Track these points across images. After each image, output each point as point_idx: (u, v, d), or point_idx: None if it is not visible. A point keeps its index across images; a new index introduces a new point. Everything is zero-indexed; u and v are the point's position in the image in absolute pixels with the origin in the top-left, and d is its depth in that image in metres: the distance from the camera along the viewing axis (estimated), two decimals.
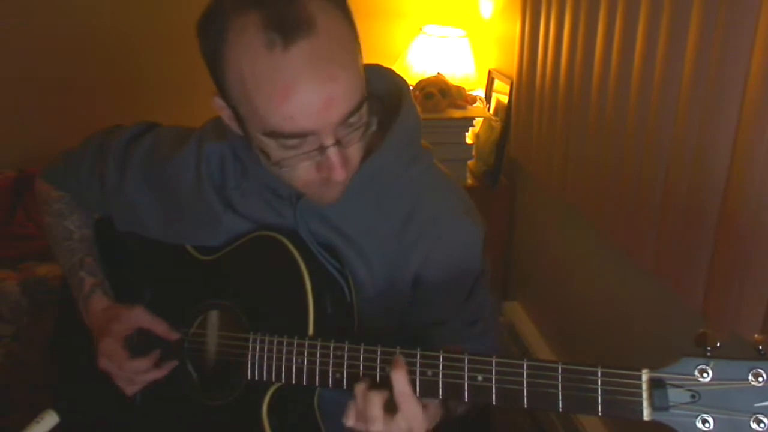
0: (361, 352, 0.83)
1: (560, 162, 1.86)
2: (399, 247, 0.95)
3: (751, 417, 0.65)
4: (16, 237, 2.31)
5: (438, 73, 2.40)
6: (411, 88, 2.28)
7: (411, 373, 0.79)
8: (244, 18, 0.75)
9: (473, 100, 2.42)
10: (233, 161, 1.00)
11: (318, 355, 0.86)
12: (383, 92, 0.94)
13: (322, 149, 0.80)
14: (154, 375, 1.00)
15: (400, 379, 0.77)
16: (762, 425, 0.64)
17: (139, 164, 1.07)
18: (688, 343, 0.69)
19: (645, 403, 0.69)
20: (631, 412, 0.69)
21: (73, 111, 2.49)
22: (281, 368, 0.88)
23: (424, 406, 0.79)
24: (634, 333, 1.68)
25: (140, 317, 1.01)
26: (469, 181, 2.38)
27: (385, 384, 0.79)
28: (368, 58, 0.83)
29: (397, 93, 0.96)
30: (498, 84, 2.43)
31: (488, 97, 2.50)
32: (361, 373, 0.83)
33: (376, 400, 0.78)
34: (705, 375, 0.67)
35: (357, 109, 0.79)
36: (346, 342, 0.84)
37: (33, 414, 0.97)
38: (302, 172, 0.83)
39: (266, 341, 0.90)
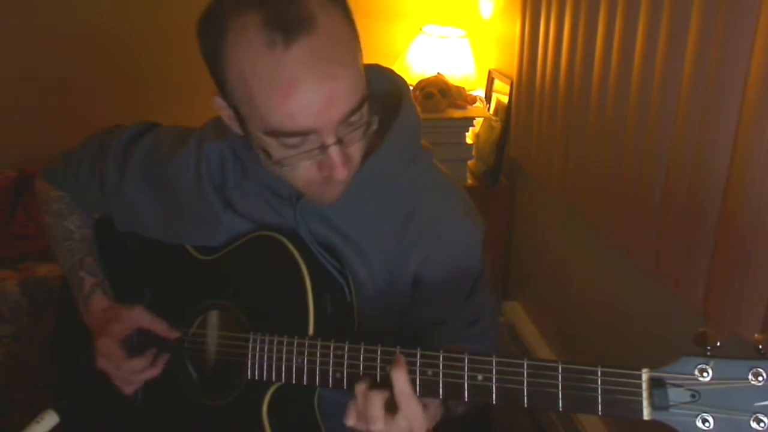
0: (361, 352, 0.83)
1: (560, 162, 1.86)
2: (399, 247, 0.95)
3: (751, 416, 0.65)
4: (16, 237, 2.31)
5: (438, 73, 2.40)
6: (411, 88, 2.29)
7: (411, 372, 0.79)
8: (245, 17, 0.75)
9: (473, 100, 2.42)
10: (233, 161, 1.00)
11: (318, 355, 0.86)
12: (383, 92, 0.94)
13: (323, 148, 0.80)
14: (150, 374, 1.00)
15: (400, 379, 0.77)
16: (762, 425, 0.64)
17: (139, 164, 1.07)
18: (688, 343, 0.69)
19: (645, 403, 0.69)
20: (631, 412, 0.69)
21: (73, 111, 2.49)
22: (281, 368, 0.88)
23: (425, 406, 0.79)
24: (634, 333, 1.68)
25: (140, 317, 1.01)
26: (469, 181, 2.38)
27: (386, 384, 0.79)
28: (368, 58, 0.83)
29: (397, 93, 0.96)
30: (498, 84, 2.43)
31: (488, 97, 2.50)
32: (361, 373, 0.83)
33: (377, 399, 0.78)
34: (705, 374, 0.67)
35: (358, 107, 0.79)
36: (346, 342, 0.84)
37: (33, 414, 0.97)
38: (303, 171, 0.83)
39: (266, 341, 0.90)
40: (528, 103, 2.09)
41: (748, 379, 0.65)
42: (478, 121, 2.41)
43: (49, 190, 1.18)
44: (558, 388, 0.73)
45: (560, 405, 0.73)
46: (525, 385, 0.74)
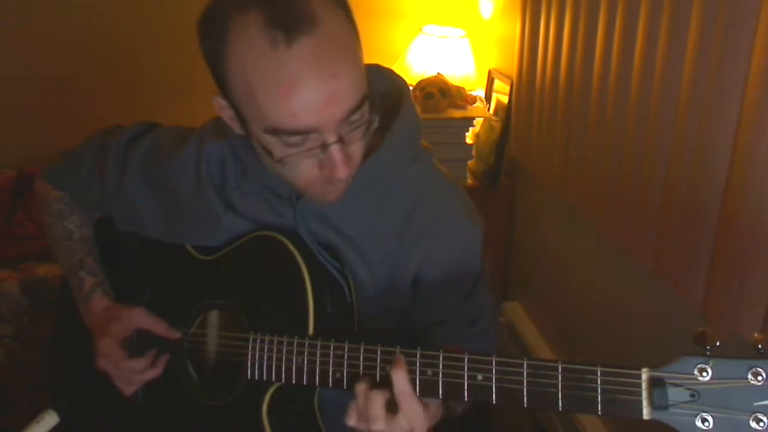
0: (361, 351, 0.83)
1: (560, 162, 1.86)
2: (399, 247, 0.95)
3: (750, 416, 0.65)
4: (16, 237, 2.31)
5: (438, 73, 2.40)
6: (411, 88, 2.29)
7: (411, 372, 0.79)
8: (246, 16, 0.75)
9: (473, 100, 2.42)
10: (233, 161, 1.00)
11: (318, 355, 0.86)
12: (383, 92, 0.94)
13: (324, 147, 0.80)
14: (150, 374, 1.01)
15: (400, 378, 0.77)
16: (761, 424, 0.64)
17: (139, 164, 1.07)
18: (687, 342, 0.69)
19: (644, 402, 0.69)
20: (631, 411, 0.69)
21: (73, 111, 2.49)
22: (281, 368, 0.88)
23: (425, 405, 0.79)
24: (634, 333, 1.68)
25: (140, 318, 1.01)
26: (469, 181, 2.38)
27: (386, 383, 0.79)
28: (368, 58, 0.84)
29: (397, 93, 0.96)
30: (498, 84, 2.43)
31: (488, 97, 2.50)
32: (361, 373, 0.83)
33: (378, 399, 0.78)
34: (704, 374, 0.67)
35: (359, 106, 0.79)
36: (346, 342, 0.84)
37: (33, 414, 0.97)
38: (304, 170, 0.83)
39: (266, 341, 0.90)
40: (528, 103, 2.09)
41: (747, 378, 0.65)
42: (478, 121, 2.41)
43: (49, 190, 1.18)
44: (558, 387, 0.73)
45: (560, 405, 0.73)
46: (525, 384, 0.74)
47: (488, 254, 1.00)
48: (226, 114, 0.86)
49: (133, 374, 1.00)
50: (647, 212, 1.43)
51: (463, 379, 0.78)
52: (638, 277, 1.63)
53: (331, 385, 0.85)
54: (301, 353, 0.87)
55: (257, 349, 0.90)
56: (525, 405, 0.75)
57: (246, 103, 0.79)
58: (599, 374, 0.71)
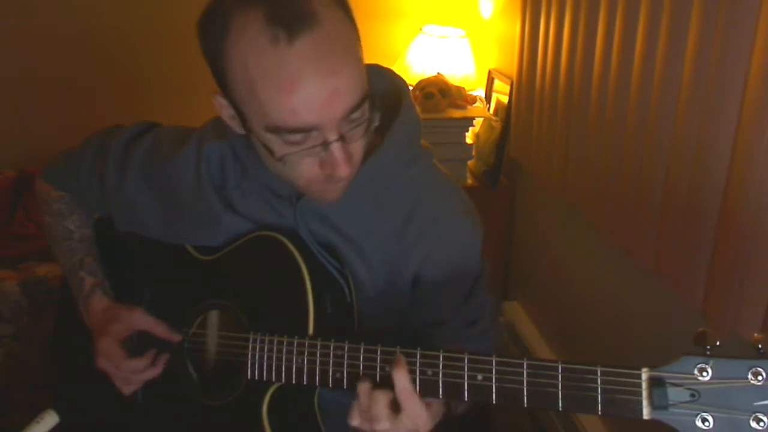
0: (361, 351, 0.83)
1: (560, 162, 1.86)
2: (399, 247, 0.95)
3: (750, 416, 0.65)
4: (16, 237, 2.30)
5: (438, 73, 2.40)
6: (411, 88, 2.29)
7: (411, 372, 0.79)
8: (246, 15, 0.75)
9: (473, 100, 2.42)
10: (233, 161, 1.00)
11: (318, 355, 0.86)
12: (383, 92, 0.94)
13: (325, 145, 0.80)
14: (150, 374, 1.01)
15: (401, 378, 0.77)
16: (762, 424, 0.64)
17: (139, 164, 1.07)
18: (688, 343, 0.69)
19: (645, 402, 0.69)
20: (631, 411, 0.69)
21: (73, 111, 2.49)
22: (281, 368, 0.88)
23: (428, 405, 0.79)
24: (634, 333, 1.68)
25: (140, 319, 1.01)
26: (469, 181, 2.38)
27: (389, 383, 0.79)
28: (368, 58, 0.84)
29: (397, 93, 0.96)
30: (498, 84, 2.43)
31: (488, 97, 2.50)
32: (361, 373, 0.83)
33: (381, 399, 0.78)
34: (704, 374, 0.67)
35: (360, 104, 0.80)
36: (346, 342, 0.84)
37: (33, 414, 0.97)
38: (305, 169, 0.83)
39: (266, 341, 0.90)
40: (528, 103, 2.09)
41: (747, 378, 0.65)
42: (478, 121, 2.41)
43: (49, 190, 1.18)
44: (558, 387, 0.73)
45: (560, 405, 0.73)
46: (525, 384, 0.74)
47: (488, 254, 1.00)
48: (227, 113, 0.86)
49: (133, 374, 1.00)
50: (647, 212, 1.43)
51: (463, 379, 0.78)
52: (638, 277, 1.63)
53: (331, 385, 0.85)
54: (301, 353, 0.87)
55: (257, 349, 0.90)
56: (525, 405, 0.75)
57: (247, 101, 0.79)
58: (599, 374, 0.71)
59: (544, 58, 1.94)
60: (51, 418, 0.97)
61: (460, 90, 2.39)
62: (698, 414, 0.67)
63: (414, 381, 0.79)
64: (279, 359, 0.88)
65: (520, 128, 2.18)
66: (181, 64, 2.16)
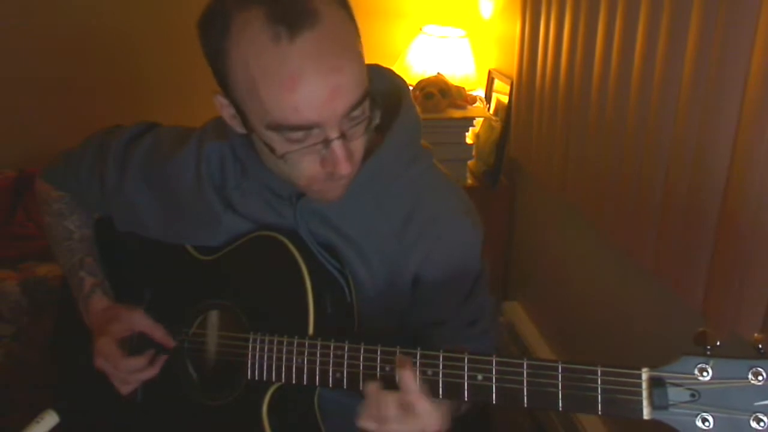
0: (361, 351, 0.83)
1: (560, 162, 1.86)
2: (399, 247, 0.95)
3: (750, 416, 0.65)
4: (16, 237, 2.30)
5: (438, 73, 2.40)
6: (411, 88, 2.29)
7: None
8: (247, 13, 0.75)
9: (473, 100, 2.42)
10: (233, 161, 1.00)
11: (318, 355, 0.86)
12: (383, 92, 0.94)
13: (326, 142, 0.80)
14: (148, 374, 1.00)
15: (408, 378, 0.77)
16: (762, 424, 0.64)
17: (139, 164, 1.07)
18: (688, 343, 0.69)
19: (645, 402, 0.69)
20: (631, 411, 0.69)
21: (73, 111, 2.49)
22: (281, 368, 0.88)
23: (436, 404, 0.79)
24: (634, 333, 1.68)
25: (139, 321, 1.01)
26: (469, 181, 2.38)
27: (396, 384, 0.79)
28: (368, 58, 0.84)
29: (397, 93, 0.96)
30: (498, 84, 2.43)
31: (488, 97, 2.50)
32: (361, 373, 0.83)
33: (390, 399, 0.78)
34: (705, 374, 0.67)
35: (360, 101, 0.80)
36: (346, 342, 0.84)
37: (33, 414, 0.97)
38: (306, 167, 0.83)
39: (266, 341, 0.90)
40: (528, 103, 2.09)
41: (747, 378, 0.65)
42: (478, 121, 2.41)
43: (49, 190, 1.18)
44: (558, 387, 0.73)
45: (560, 405, 0.73)
46: (525, 384, 0.74)
47: (488, 254, 1.00)
48: (227, 113, 0.87)
49: (131, 374, 1.00)
50: (647, 212, 1.43)
51: (463, 379, 0.78)
52: (638, 277, 1.63)
53: (331, 385, 0.85)
54: (301, 353, 0.87)
55: (257, 349, 0.90)
56: (525, 405, 0.75)
57: (248, 100, 0.79)
58: (599, 374, 0.71)
59: (544, 58, 1.94)
60: (51, 418, 0.97)
61: (460, 90, 2.39)
62: (698, 414, 0.67)
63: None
64: (279, 359, 0.88)
65: (520, 128, 2.18)
66: (181, 64, 2.16)
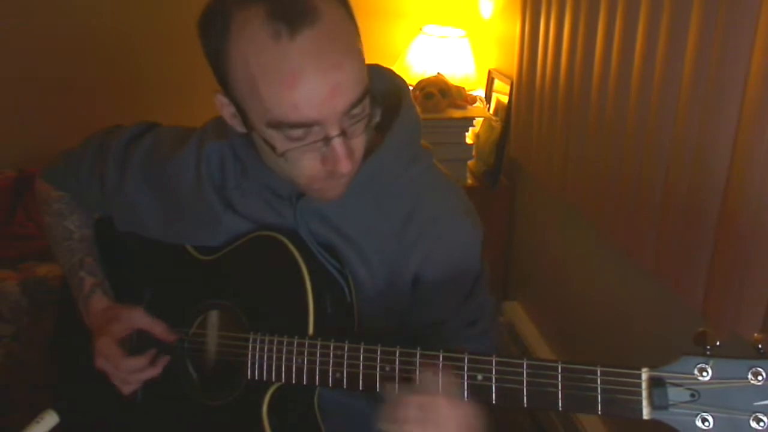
0: (361, 351, 0.83)
1: (560, 162, 1.86)
2: (399, 247, 0.95)
3: (750, 416, 0.65)
4: (16, 237, 2.30)
5: (438, 73, 2.40)
6: (411, 88, 2.29)
7: (411, 372, 0.79)
8: (247, 11, 0.75)
9: (473, 100, 2.42)
10: (233, 161, 1.00)
11: (318, 355, 0.86)
12: (383, 92, 0.94)
13: (327, 140, 0.80)
14: (149, 374, 1.00)
15: (429, 380, 0.77)
16: (762, 424, 0.64)
17: (139, 164, 1.07)
18: (688, 343, 0.69)
19: (645, 402, 0.69)
20: (631, 411, 0.69)
21: (73, 111, 2.49)
22: (281, 368, 0.88)
23: (458, 406, 0.77)
24: (634, 333, 1.68)
25: (140, 319, 1.01)
26: (469, 181, 2.38)
27: (416, 386, 0.78)
28: (368, 58, 0.84)
29: (397, 93, 0.96)
30: (498, 84, 2.43)
31: (488, 97, 2.50)
32: (361, 373, 0.83)
33: (411, 401, 0.77)
34: (704, 374, 0.67)
35: (361, 99, 0.80)
36: (346, 342, 0.84)
37: (33, 414, 0.97)
38: (307, 165, 0.83)
39: (266, 341, 0.90)
40: (528, 103, 2.09)
41: (747, 378, 0.65)
42: (478, 121, 2.41)
43: (49, 190, 1.18)
44: (558, 387, 0.73)
45: (560, 405, 0.73)
46: (525, 384, 0.74)
47: (488, 254, 1.00)
48: (228, 112, 0.87)
49: (132, 374, 1.00)
50: (647, 212, 1.43)
51: (463, 379, 0.77)
52: (638, 277, 1.63)
53: (331, 385, 0.85)
54: (301, 353, 0.87)
55: (257, 349, 0.90)
56: (525, 405, 0.75)
57: (248, 98, 0.80)
58: (599, 374, 0.71)
59: (544, 58, 1.94)
60: (51, 418, 0.97)
61: (460, 90, 2.39)
62: (698, 414, 0.67)
63: (415, 381, 0.79)
64: (279, 359, 0.88)
65: (520, 128, 2.18)
66: (181, 64, 2.16)
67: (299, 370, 0.87)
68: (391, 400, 0.78)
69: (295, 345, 0.87)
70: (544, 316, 2.28)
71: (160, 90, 2.61)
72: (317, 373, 0.86)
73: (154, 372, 1.01)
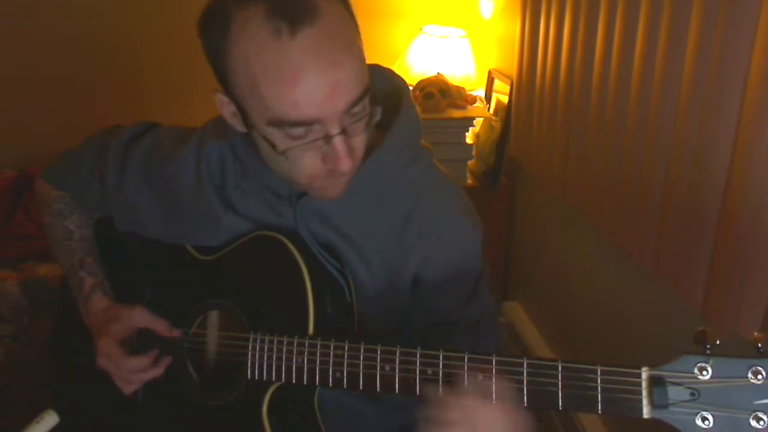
0: (361, 351, 0.83)
1: (560, 162, 1.86)
2: (399, 247, 0.95)
3: (750, 415, 0.65)
4: (16, 237, 2.30)
5: (438, 73, 2.40)
6: (411, 88, 2.29)
7: (410, 371, 0.79)
8: (247, 10, 0.76)
9: (473, 100, 2.42)
10: (233, 161, 1.00)
11: (318, 355, 0.86)
12: (383, 92, 0.94)
13: (327, 138, 0.80)
14: (151, 374, 1.00)
15: (474, 383, 0.76)
16: (761, 423, 0.64)
17: (139, 164, 1.07)
18: (688, 342, 0.69)
19: (645, 401, 0.69)
20: (631, 410, 0.69)
21: (73, 111, 2.49)
22: (281, 368, 0.88)
23: (502, 410, 0.76)
24: (634, 333, 1.68)
25: (140, 317, 1.01)
26: (469, 181, 2.38)
27: (459, 388, 0.77)
28: (368, 58, 0.84)
29: (397, 93, 0.96)
30: (498, 84, 2.43)
31: (488, 97, 2.50)
32: (361, 373, 0.83)
33: (454, 404, 0.76)
34: (704, 373, 0.67)
35: (361, 97, 0.80)
36: (346, 342, 0.84)
37: (33, 414, 0.97)
38: (307, 163, 0.83)
39: (266, 341, 0.90)
40: (528, 103, 2.09)
41: (747, 377, 0.65)
42: (478, 121, 2.41)
43: (49, 190, 1.18)
44: (558, 386, 0.73)
45: (560, 404, 0.73)
46: (525, 384, 0.74)
47: (488, 254, 1.00)
48: (228, 110, 0.87)
49: (133, 374, 1.00)
50: (647, 212, 1.43)
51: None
52: (638, 277, 1.63)
53: (331, 385, 0.85)
54: (301, 353, 0.87)
55: (257, 349, 0.90)
56: (525, 404, 0.75)
57: (249, 96, 0.80)
58: (599, 373, 0.71)
59: (544, 58, 1.94)
60: (51, 418, 0.97)
61: (460, 90, 2.39)
62: (698, 413, 0.67)
63: (415, 380, 0.79)
64: (279, 359, 0.88)
65: (520, 128, 2.18)
66: (181, 64, 2.16)
67: (299, 370, 0.87)
68: (433, 401, 0.77)
69: (295, 345, 0.87)
70: (544, 316, 2.28)
71: (160, 90, 2.61)
72: (317, 372, 0.86)
73: (157, 372, 1.01)
